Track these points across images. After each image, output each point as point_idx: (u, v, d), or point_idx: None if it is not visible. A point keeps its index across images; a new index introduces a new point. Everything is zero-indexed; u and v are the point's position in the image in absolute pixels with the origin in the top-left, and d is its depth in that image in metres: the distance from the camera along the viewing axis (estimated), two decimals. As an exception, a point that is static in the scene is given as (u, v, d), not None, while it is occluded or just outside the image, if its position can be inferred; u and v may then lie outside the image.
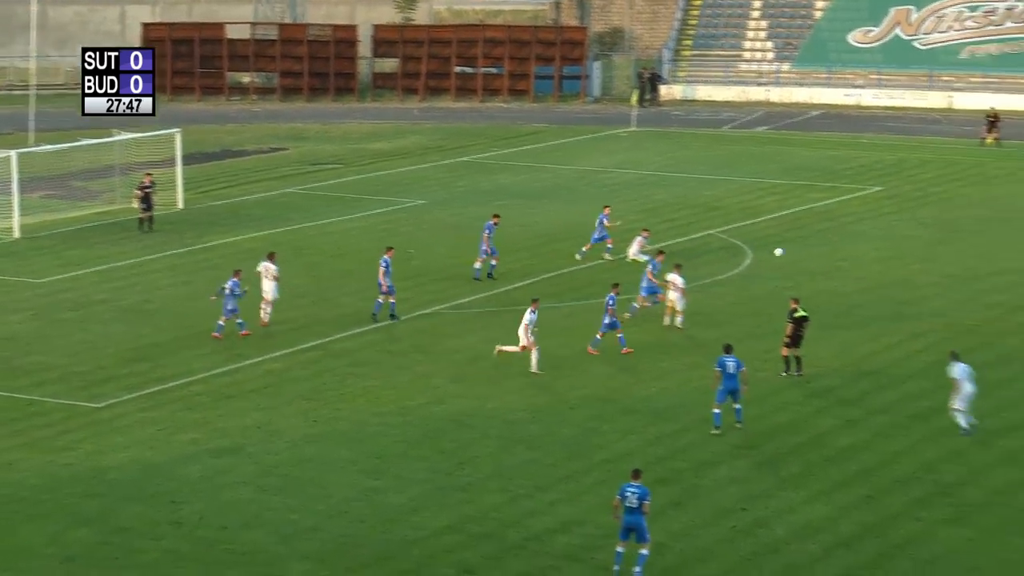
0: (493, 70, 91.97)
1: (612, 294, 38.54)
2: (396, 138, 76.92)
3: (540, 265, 48.23)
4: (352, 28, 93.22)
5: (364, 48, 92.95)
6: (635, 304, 41.56)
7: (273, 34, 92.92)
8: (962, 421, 32.72)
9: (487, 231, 46.15)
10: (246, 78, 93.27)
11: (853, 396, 35.46)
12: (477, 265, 46.24)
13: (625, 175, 65.66)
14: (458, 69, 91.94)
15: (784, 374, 36.43)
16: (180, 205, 58.34)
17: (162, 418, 34.16)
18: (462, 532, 27.89)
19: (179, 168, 59.08)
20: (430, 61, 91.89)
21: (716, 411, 32.93)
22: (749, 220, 55.58)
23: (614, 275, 46.87)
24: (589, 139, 76.39)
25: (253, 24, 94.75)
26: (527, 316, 37.24)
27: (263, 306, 41.21)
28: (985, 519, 28.45)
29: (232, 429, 33.42)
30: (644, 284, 41.77)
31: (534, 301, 37.88)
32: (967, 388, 32.67)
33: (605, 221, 48.79)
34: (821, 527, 28.06)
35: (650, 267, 42.25)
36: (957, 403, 32.73)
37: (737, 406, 33.04)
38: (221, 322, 40.14)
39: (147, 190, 54.38)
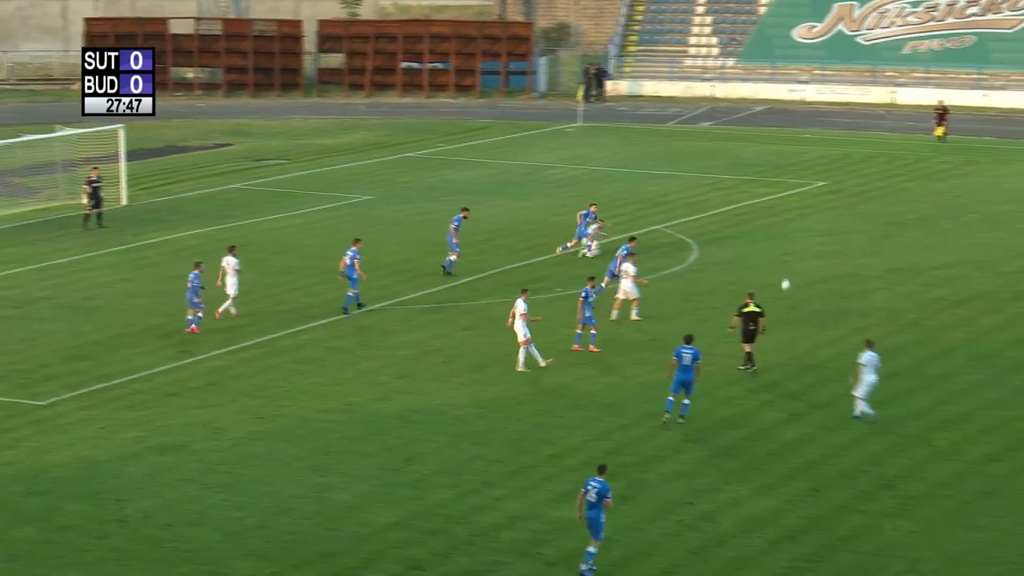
0: (439, 65, 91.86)
1: (588, 287, 38.52)
2: (342, 134, 76.66)
3: (487, 261, 48.16)
4: (297, 23, 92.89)
5: (309, 43, 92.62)
6: (601, 285, 41.79)
7: (217, 29, 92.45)
8: (858, 408, 33.21)
9: (455, 224, 46.14)
10: (190, 73, 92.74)
11: (798, 390, 35.62)
12: (452, 258, 46.29)
13: (572, 170, 65.73)
14: (404, 64, 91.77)
15: (740, 368, 36.53)
16: (124, 201, 57.89)
17: (105, 416, 33.88)
18: (409, 528, 27.82)
19: (123, 164, 58.63)
20: (376, 56, 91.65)
21: (669, 398, 33.06)
22: (695, 215, 55.76)
23: (560, 270, 46.95)
24: (536, 135, 76.41)
25: (197, 19, 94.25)
26: (521, 306, 36.90)
27: (231, 302, 41.26)
28: (928, 511, 28.65)
29: (176, 427, 33.18)
30: (613, 267, 42.82)
31: (524, 292, 37.59)
32: (869, 377, 33.05)
33: (589, 219, 48.76)
34: (766, 520, 28.16)
35: (622, 252, 42.71)
36: (859, 390, 33.12)
37: (686, 401, 33.11)
38: (199, 315, 40.01)
39: (95, 185, 53.94)
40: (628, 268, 41.28)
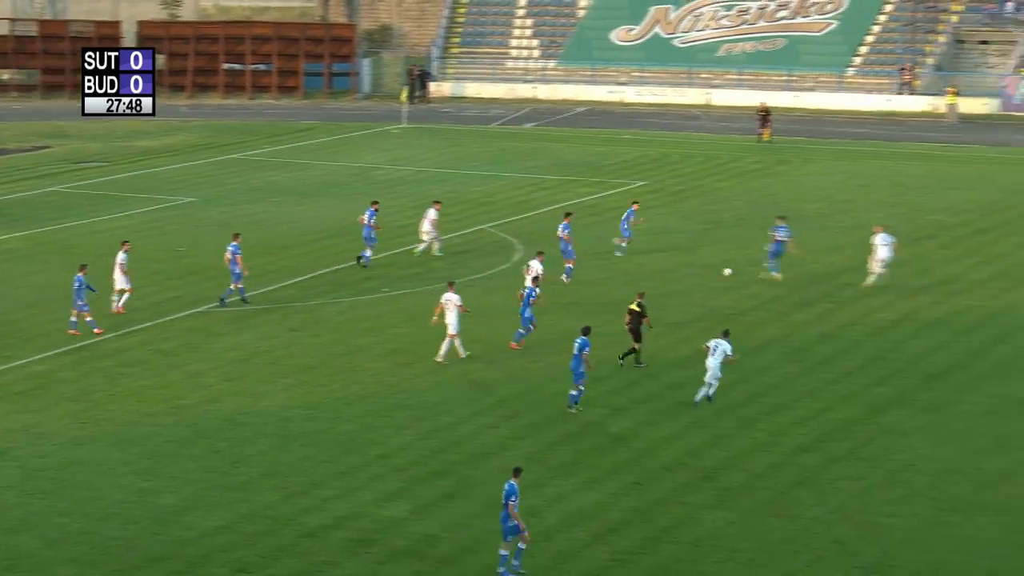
0: (262, 67, 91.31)
1: (532, 287, 38.94)
2: (163, 135, 75.82)
3: (315, 261, 48.19)
4: (116, 24, 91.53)
5: (128, 44, 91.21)
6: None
7: (33, 30, 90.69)
8: (699, 395, 34.59)
9: (371, 218, 46.53)
10: (6, 75, 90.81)
11: (620, 386, 36.36)
12: (368, 253, 46.88)
13: (397, 172, 65.97)
14: (226, 66, 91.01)
15: (636, 365, 37.40)
16: (-63, 205, 56.68)
17: (-77, 424, 33.22)
18: (236, 531, 27.83)
19: (-65, 167, 57.36)
20: (197, 58, 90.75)
21: (572, 392, 34.27)
22: (520, 215, 56.43)
23: (389, 271, 47.13)
24: (360, 136, 76.48)
25: (12, 20, 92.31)
26: (456, 298, 37.36)
27: (113, 296, 41.28)
28: (746, 502, 29.55)
29: (-2, 434, 32.70)
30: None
31: (450, 284, 38.10)
32: (710, 362, 34.50)
33: (632, 218, 49.41)
34: (591, 514, 28.78)
35: (562, 229, 45.70)
36: (707, 376, 34.60)
37: (572, 392, 33.99)
38: (73, 318, 39.52)
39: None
40: (536, 266, 41.69)
